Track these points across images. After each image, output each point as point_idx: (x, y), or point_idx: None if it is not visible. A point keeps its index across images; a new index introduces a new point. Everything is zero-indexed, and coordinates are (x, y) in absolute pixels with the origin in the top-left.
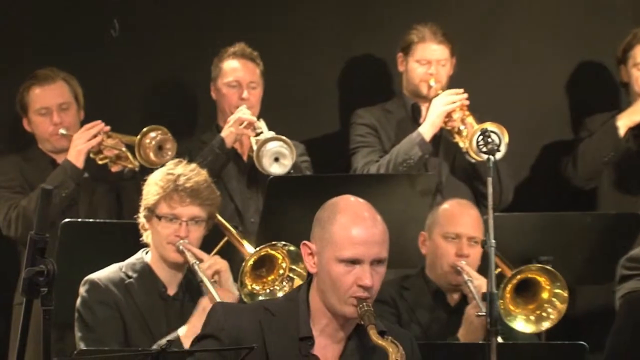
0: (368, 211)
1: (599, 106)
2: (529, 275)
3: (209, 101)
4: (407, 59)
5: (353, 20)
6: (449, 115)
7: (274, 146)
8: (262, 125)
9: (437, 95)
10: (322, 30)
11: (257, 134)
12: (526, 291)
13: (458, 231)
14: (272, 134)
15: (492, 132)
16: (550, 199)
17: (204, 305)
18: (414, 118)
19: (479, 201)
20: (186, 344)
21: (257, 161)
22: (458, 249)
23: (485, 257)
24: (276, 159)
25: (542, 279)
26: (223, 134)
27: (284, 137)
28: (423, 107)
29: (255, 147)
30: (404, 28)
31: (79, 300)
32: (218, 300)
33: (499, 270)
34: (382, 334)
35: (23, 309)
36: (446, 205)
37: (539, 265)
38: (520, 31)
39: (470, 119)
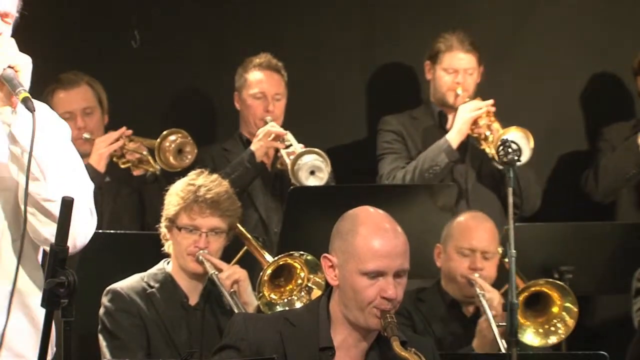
0: (389, 222)
1: (614, 117)
2: (540, 289)
3: (229, 110)
4: (435, 67)
5: (380, 28)
6: (475, 122)
7: (309, 159)
8: (290, 137)
9: (464, 103)
10: (349, 38)
11: (287, 147)
12: (537, 304)
13: (472, 246)
14: (301, 146)
15: (512, 142)
16: (569, 209)
17: None
18: (441, 125)
19: (506, 207)
20: None
21: (293, 175)
22: (471, 262)
23: (503, 269)
24: (312, 172)
25: (552, 293)
26: (253, 147)
27: (317, 150)
28: (450, 115)
29: (288, 161)
30: (430, 36)
31: (102, 310)
32: (237, 310)
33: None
34: (403, 344)
35: (44, 320)
36: (461, 219)
37: (549, 280)
38: (537, 43)
39: (496, 125)
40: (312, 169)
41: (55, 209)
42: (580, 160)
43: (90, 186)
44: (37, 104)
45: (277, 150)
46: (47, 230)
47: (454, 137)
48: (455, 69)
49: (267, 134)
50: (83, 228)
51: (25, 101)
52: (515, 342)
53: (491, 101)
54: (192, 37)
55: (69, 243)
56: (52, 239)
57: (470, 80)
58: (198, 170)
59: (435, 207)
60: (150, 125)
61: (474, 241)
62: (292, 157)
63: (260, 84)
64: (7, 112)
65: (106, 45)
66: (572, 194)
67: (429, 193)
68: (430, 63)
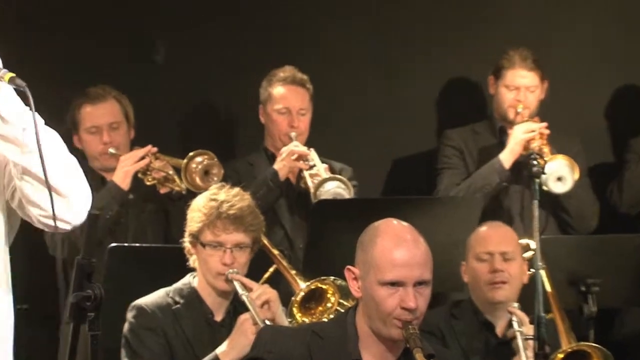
0: (410, 233)
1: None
2: (584, 349)
3: (250, 124)
4: (498, 83)
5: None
6: (528, 144)
7: (332, 187)
8: (314, 156)
9: (522, 121)
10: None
11: (310, 167)
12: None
13: (489, 249)
14: (325, 167)
15: (537, 154)
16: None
17: (242, 321)
18: (501, 141)
19: (564, 228)
20: None
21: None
22: (490, 265)
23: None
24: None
25: (594, 354)
26: (276, 166)
27: (340, 177)
28: (510, 131)
29: (312, 187)
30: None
31: (126, 326)
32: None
33: (550, 315)
34: (430, 357)
35: (71, 334)
36: (478, 229)
37: (599, 346)
38: (561, 56)
39: (546, 149)
40: (335, 196)
41: (58, 177)
42: (607, 172)
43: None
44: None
45: (301, 170)
46: (41, 196)
47: (507, 157)
48: (517, 86)
49: (290, 154)
50: (82, 196)
51: (13, 80)
52: (543, 355)
53: (544, 124)
54: (215, 51)
55: (68, 217)
56: (58, 212)
57: (532, 98)
58: (219, 184)
59: (461, 217)
60: (171, 139)
61: (490, 245)
62: (315, 180)
63: (285, 99)
64: None
65: (130, 61)
66: (600, 207)
67: (456, 206)
68: (493, 78)
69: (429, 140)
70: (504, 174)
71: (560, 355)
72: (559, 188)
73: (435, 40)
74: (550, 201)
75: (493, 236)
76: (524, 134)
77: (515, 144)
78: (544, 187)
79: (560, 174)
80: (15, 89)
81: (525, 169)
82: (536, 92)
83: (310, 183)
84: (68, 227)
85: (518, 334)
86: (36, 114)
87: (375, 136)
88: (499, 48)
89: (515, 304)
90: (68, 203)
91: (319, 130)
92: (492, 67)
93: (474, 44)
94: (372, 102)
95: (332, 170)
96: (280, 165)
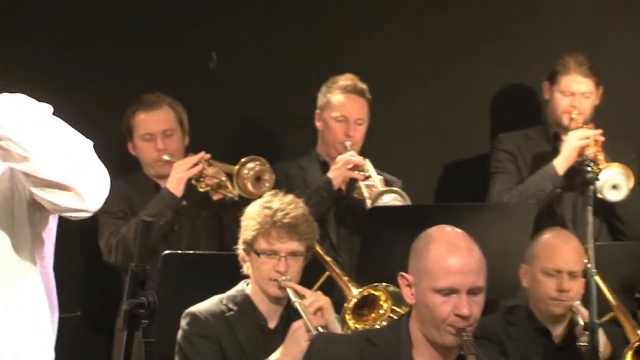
0: (463, 240)
1: None
2: None
3: (304, 130)
4: (552, 88)
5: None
6: (582, 150)
7: (389, 199)
8: (369, 167)
9: (577, 127)
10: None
11: (365, 177)
12: None
13: (558, 267)
14: (380, 178)
15: (590, 160)
16: None
17: (295, 329)
18: (554, 147)
19: (616, 237)
20: None
21: None
22: (558, 284)
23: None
24: None
25: None
26: (330, 174)
27: (397, 189)
28: (564, 137)
29: (368, 198)
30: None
31: (179, 333)
32: None
33: (612, 314)
34: None
35: (124, 341)
36: (545, 237)
37: None
38: (617, 61)
39: (601, 157)
40: None
41: (58, 174)
42: None
43: (88, 144)
44: (10, 95)
45: (355, 180)
46: (62, 199)
47: (561, 163)
48: (572, 92)
49: (346, 163)
50: (92, 183)
51: None
52: None
53: (599, 131)
54: (268, 57)
55: (80, 206)
56: (70, 205)
57: (587, 104)
58: (273, 192)
59: (514, 224)
60: (224, 146)
61: (560, 262)
62: (372, 190)
63: (343, 107)
64: None
65: (184, 67)
66: None
67: (509, 212)
68: (548, 84)
69: (482, 145)
70: (557, 180)
71: (630, 352)
72: (614, 196)
73: (490, 44)
74: (604, 208)
75: (563, 252)
76: (578, 140)
77: (569, 150)
78: (599, 195)
79: (615, 181)
80: None
81: (579, 176)
82: (591, 98)
83: (366, 194)
84: (87, 215)
85: (587, 335)
86: (42, 103)
87: (428, 141)
88: (554, 52)
89: (577, 301)
90: (77, 194)
91: (372, 135)
92: (547, 72)
93: (529, 48)
94: (425, 107)
95: (386, 182)
96: (335, 174)
